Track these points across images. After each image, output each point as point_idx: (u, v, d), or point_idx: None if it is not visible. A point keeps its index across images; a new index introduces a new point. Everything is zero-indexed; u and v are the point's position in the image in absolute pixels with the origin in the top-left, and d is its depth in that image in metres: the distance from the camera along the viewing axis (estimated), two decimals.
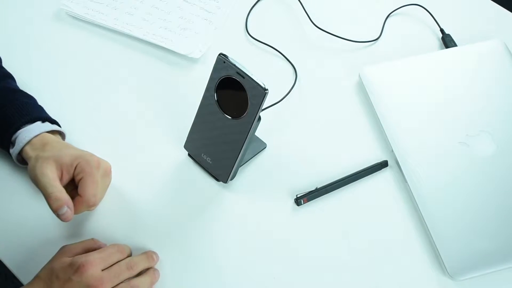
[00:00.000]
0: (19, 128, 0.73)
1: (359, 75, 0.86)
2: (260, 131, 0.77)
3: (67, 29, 0.91)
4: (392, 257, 0.74)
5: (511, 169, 0.77)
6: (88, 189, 0.69)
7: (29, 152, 0.72)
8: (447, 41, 0.90)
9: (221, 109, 0.71)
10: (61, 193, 0.67)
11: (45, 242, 0.72)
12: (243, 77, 0.67)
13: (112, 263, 0.67)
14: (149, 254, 0.70)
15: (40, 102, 0.79)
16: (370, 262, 0.73)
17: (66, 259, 0.65)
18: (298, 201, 0.76)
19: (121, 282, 0.66)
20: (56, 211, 0.66)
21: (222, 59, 0.68)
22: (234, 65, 0.68)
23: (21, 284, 0.69)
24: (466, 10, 0.96)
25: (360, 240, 0.75)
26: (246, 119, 0.69)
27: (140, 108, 0.84)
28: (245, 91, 0.68)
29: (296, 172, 0.79)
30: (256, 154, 0.79)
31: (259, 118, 0.70)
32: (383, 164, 0.80)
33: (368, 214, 0.77)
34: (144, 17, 0.93)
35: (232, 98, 0.69)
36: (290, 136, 0.83)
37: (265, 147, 0.80)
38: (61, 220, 0.66)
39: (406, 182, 0.77)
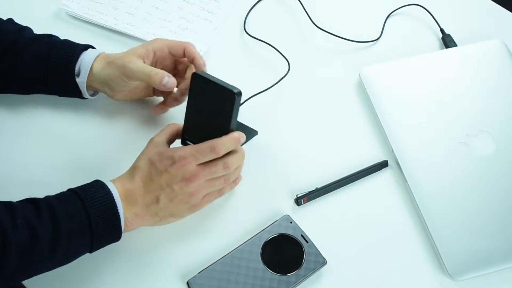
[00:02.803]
0: (79, 56, 0.76)
1: (359, 75, 0.86)
2: (260, 131, 0.77)
3: (67, 29, 0.91)
4: (392, 257, 0.74)
5: (511, 169, 0.77)
6: (192, 48, 0.76)
7: (100, 64, 0.76)
8: (447, 41, 0.90)
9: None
10: (156, 69, 0.72)
11: None
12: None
13: (207, 160, 0.69)
14: (243, 152, 0.72)
15: (40, 102, 0.79)
16: (370, 262, 0.73)
17: (162, 151, 0.69)
18: (298, 201, 0.76)
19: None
20: (160, 83, 0.71)
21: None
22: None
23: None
24: (466, 10, 0.96)
25: (360, 240, 0.75)
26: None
27: (141, 108, 0.84)
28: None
29: (296, 172, 0.79)
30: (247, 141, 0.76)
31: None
32: (383, 164, 0.80)
33: (368, 214, 0.77)
34: (144, 17, 0.93)
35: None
36: (290, 136, 0.83)
37: (256, 134, 0.77)
38: (167, 89, 0.72)
39: (406, 182, 0.77)
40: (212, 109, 0.70)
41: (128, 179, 0.69)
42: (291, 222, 0.74)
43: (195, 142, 0.71)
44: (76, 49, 0.77)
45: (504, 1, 0.98)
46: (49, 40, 0.79)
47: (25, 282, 0.70)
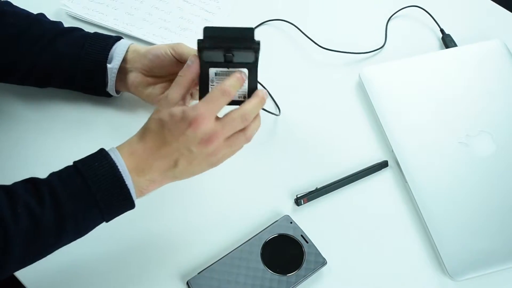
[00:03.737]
0: (112, 46, 0.78)
1: (359, 75, 0.86)
2: (260, 131, 0.77)
3: None
4: (392, 257, 0.74)
5: (511, 169, 0.77)
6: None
7: (140, 47, 0.78)
8: (447, 41, 0.90)
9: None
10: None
11: None
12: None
13: (220, 110, 0.65)
14: (261, 97, 0.67)
15: (43, 103, 0.79)
16: (370, 262, 0.73)
17: (175, 112, 0.64)
18: (298, 201, 0.76)
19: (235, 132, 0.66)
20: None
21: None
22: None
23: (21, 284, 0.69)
24: (466, 10, 0.96)
25: (360, 240, 0.75)
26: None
27: (141, 107, 0.84)
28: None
29: (296, 172, 0.79)
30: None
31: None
32: (383, 164, 0.80)
33: (368, 214, 0.77)
34: (144, 17, 0.93)
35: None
36: (290, 136, 0.82)
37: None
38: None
39: (406, 182, 0.77)
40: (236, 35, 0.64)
41: (138, 143, 0.65)
42: (291, 222, 0.74)
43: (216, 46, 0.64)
44: (111, 39, 0.78)
45: (504, 1, 0.98)
46: (83, 32, 0.80)
47: (24, 282, 0.70)
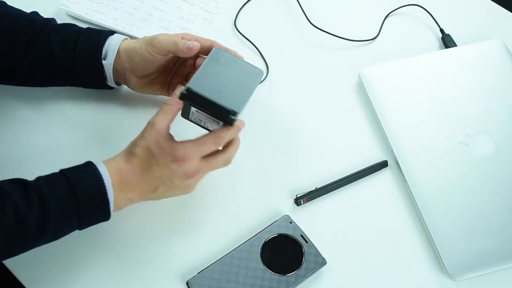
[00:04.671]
0: (106, 39, 0.77)
1: (359, 75, 0.86)
2: (260, 131, 0.77)
3: None
4: (392, 257, 0.74)
5: (511, 169, 0.77)
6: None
7: (127, 45, 0.77)
8: (447, 41, 0.90)
9: None
10: (182, 39, 0.74)
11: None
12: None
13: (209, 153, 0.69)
14: (239, 142, 0.71)
15: (44, 101, 0.79)
16: (370, 262, 0.73)
17: (163, 145, 0.67)
18: (298, 201, 0.76)
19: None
20: (184, 46, 0.72)
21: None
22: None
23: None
24: (466, 10, 0.96)
25: (359, 240, 0.75)
26: None
27: (141, 102, 0.84)
28: None
29: (296, 172, 0.79)
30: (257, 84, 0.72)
31: None
32: (383, 164, 0.80)
33: (368, 214, 0.77)
34: (144, 17, 0.93)
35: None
36: (290, 136, 0.82)
37: (262, 74, 0.72)
38: (191, 51, 0.73)
39: (406, 182, 0.77)
40: (233, 75, 0.69)
41: (124, 163, 0.68)
42: (290, 222, 0.74)
43: (201, 99, 0.67)
44: (103, 34, 0.78)
45: (504, 1, 0.98)
46: (76, 27, 0.80)
47: (24, 281, 0.70)
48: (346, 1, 0.97)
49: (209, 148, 0.69)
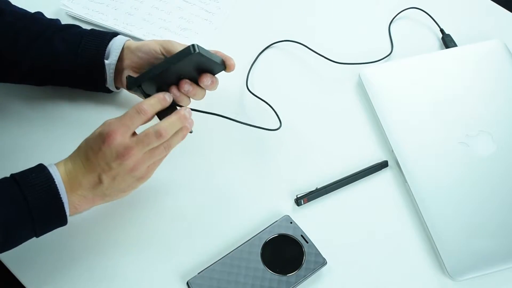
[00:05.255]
0: (108, 42, 0.77)
1: (359, 75, 0.86)
2: (260, 131, 0.77)
3: None
4: (392, 257, 0.74)
5: (511, 169, 0.77)
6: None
7: (134, 44, 0.77)
8: (447, 41, 0.90)
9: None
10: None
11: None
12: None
13: (137, 126, 0.67)
14: (181, 115, 0.68)
15: (44, 102, 0.79)
16: (370, 262, 0.73)
17: (95, 130, 0.67)
18: (298, 201, 0.76)
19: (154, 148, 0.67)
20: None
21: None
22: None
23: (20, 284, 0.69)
24: (466, 10, 0.96)
25: (360, 240, 0.75)
26: None
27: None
28: None
29: (296, 172, 0.79)
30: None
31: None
32: (383, 164, 0.80)
33: (368, 214, 0.77)
34: (144, 17, 0.93)
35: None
36: (289, 136, 0.82)
37: (223, 69, 0.74)
38: None
39: (406, 182, 0.77)
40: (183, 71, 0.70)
41: (70, 161, 0.67)
42: (291, 223, 0.74)
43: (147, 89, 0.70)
44: (106, 35, 0.78)
45: (504, 1, 0.98)
46: (80, 29, 0.80)
47: (24, 281, 0.70)
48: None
49: (132, 117, 0.66)
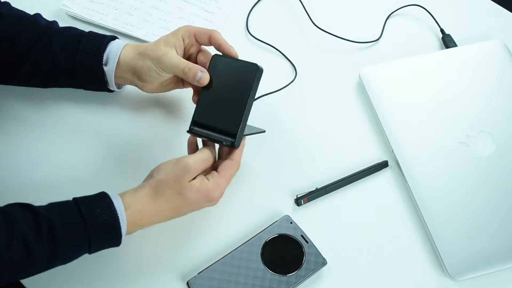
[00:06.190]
0: (107, 45, 0.77)
1: (359, 75, 0.86)
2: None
3: None
4: (392, 257, 0.74)
5: (511, 169, 0.77)
6: (218, 35, 0.75)
7: (130, 53, 0.76)
8: (447, 41, 0.90)
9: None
10: (190, 63, 0.73)
11: None
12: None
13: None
14: (244, 145, 0.73)
15: (45, 102, 0.79)
16: (370, 262, 0.73)
17: (201, 189, 0.68)
18: (298, 201, 0.76)
19: None
20: (194, 79, 0.72)
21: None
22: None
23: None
24: (466, 10, 0.96)
25: (360, 240, 0.75)
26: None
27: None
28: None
29: (296, 172, 0.79)
30: (255, 133, 0.77)
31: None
32: (383, 164, 0.80)
33: (368, 214, 0.77)
34: (144, 18, 0.93)
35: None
36: (290, 136, 0.83)
37: (264, 132, 0.78)
38: (200, 84, 0.72)
39: (406, 182, 0.77)
40: (230, 88, 0.71)
41: (150, 204, 0.68)
42: (291, 223, 0.74)
43: (206, 126, 0.70)
44: (104, 39, 0.78)
45: (504, 1, 0.98)
46: (77, 31, 0.80)
47: (24, 281, 0.70)
48: (348, 3, 0.96)
49: (233, 175, 0.71)
